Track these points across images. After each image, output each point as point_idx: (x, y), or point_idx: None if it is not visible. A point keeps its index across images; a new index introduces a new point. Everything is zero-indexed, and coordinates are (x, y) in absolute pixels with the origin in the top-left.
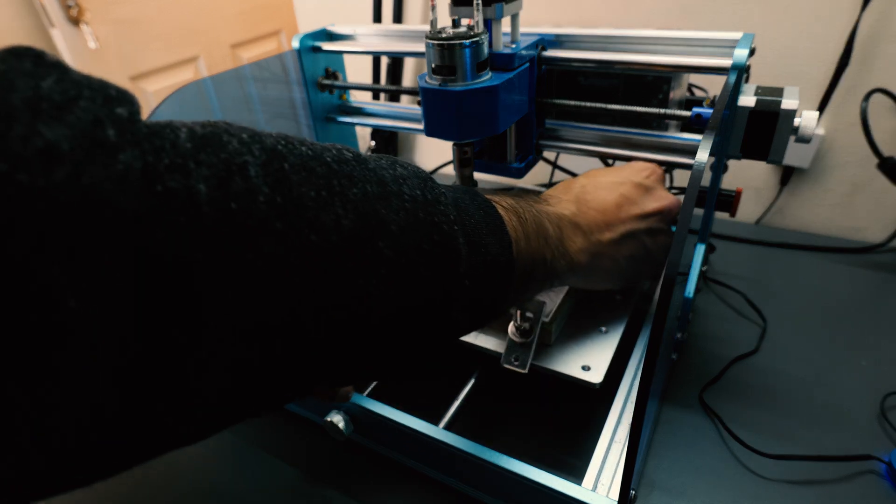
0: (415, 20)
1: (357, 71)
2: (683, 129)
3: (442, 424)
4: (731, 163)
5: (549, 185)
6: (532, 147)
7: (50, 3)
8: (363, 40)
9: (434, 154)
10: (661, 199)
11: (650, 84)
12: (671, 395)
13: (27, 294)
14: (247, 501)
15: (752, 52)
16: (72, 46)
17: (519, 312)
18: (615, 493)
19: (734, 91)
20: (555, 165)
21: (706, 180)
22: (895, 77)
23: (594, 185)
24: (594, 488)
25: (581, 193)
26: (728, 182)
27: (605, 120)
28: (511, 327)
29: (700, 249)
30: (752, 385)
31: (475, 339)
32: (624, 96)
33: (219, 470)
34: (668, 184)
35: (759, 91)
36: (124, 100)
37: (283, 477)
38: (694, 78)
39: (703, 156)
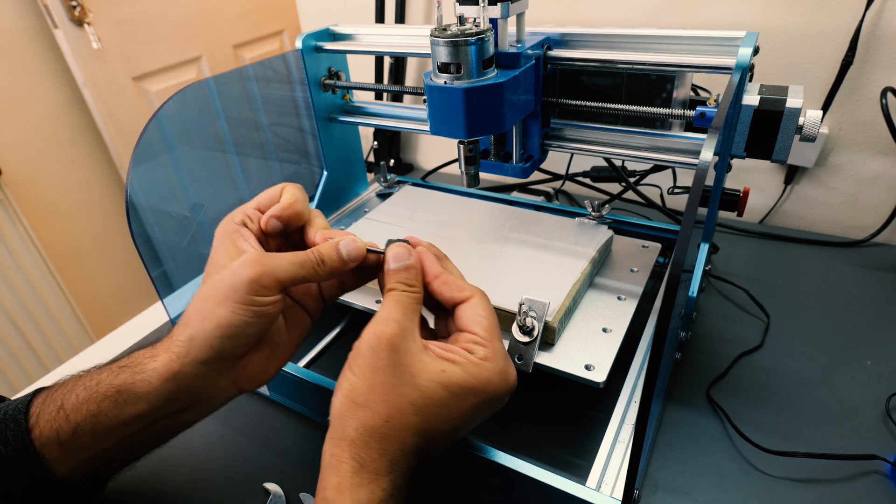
0: (417, 20)
1: (360, 71)
2: (687, 129)
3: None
4: (735, 162)
5: (560, 190)
6: (537, 147)
7: (53, 4)
8: (366, 40)
9: (436, 154)
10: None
11: (654, 83)
12: (675, 395)
13: None
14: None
15: (756, 51)
16: (75, 47)
17: (523, 312)
18: (619, 493)
19: (738, 90)
20: (566, 178)
21: (710, 180)
22: None
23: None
24: (598, 488)
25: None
26: (731, 181)
27: (609, 119)
28: (515, 327)
29: (704, 249)
30: (757, 383)
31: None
32: (627, 96)
33: (207, 457)
34: (671, 183)
35: (763, 90)
36: None
37: (268, 466)
38: (697, 78)
39: (707, 155)
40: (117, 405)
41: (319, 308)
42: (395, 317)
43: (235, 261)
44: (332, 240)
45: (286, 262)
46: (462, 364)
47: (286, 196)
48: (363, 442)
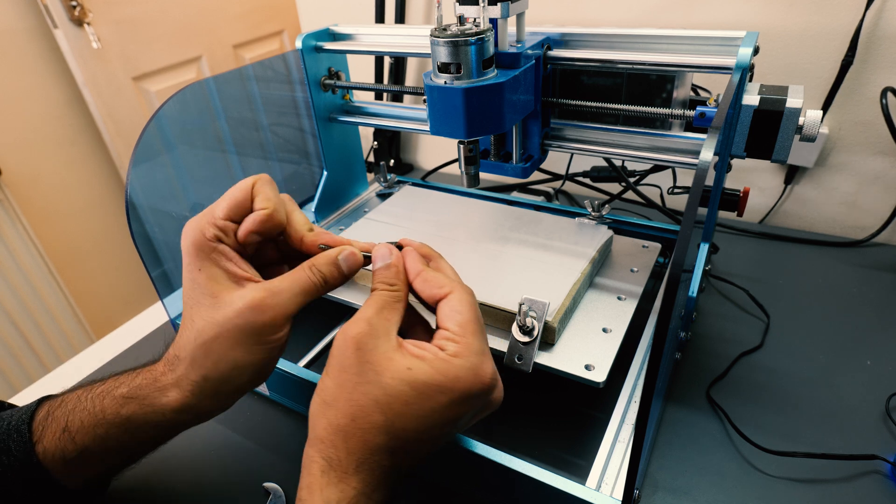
0: (417, 20)
1: (359, 71)
2: (687, 129)
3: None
4: (735, 162)
5: (560, 190)
6: (537, 147)
7: (53, 4)
8: (366, 40)
9: (436, 154)
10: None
11: (654, 83)
12: (675, 395)
13: None
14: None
15: (756, 51)
16: (75, 47)
17: (523, 312)
18: (619, 493)
19: (738, 90)
20: (566, 178)
21: (710, 180)
22: None
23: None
24: (598, 488)
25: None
26: (731, 181)
27: (609, 119)
28: (515, 327)
29: (704, 249)
30: (757, 383)
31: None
32: (627, 96)
33: (208, 460)
34: (671, 183)
35: (763, 90)
36: None
37: (269, 466)
38: (697, 78)
39: (707, 155)
40: (127, 431)
41: None
42: (366, 316)
43: (237, 297)
44: (330, 253)
45: (293, 294)
46: (430, 361)
47: (262, 203)
48: (330, 441)
